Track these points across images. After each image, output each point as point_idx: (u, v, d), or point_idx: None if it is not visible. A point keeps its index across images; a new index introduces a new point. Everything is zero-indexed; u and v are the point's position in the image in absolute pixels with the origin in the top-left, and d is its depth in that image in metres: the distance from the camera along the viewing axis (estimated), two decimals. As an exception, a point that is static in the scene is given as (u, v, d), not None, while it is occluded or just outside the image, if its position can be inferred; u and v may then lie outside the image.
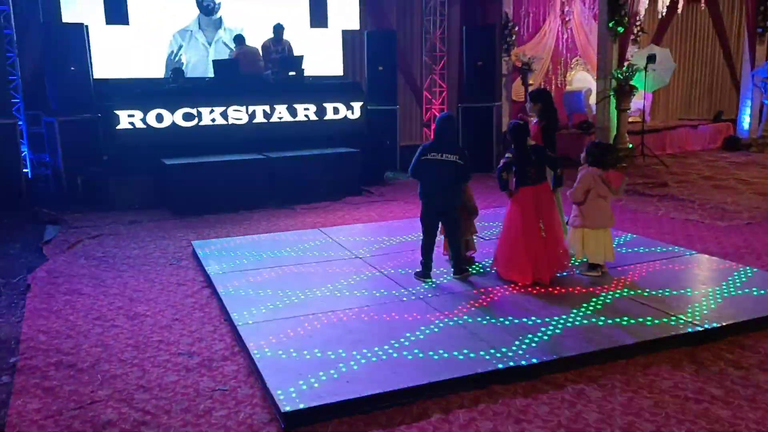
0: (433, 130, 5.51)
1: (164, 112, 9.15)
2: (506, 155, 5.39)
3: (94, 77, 9.91)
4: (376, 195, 9.65)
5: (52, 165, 9.70)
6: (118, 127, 8.94)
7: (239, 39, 10.90)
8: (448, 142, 5.41)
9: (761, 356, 4.05)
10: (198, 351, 4.27)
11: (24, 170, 9.65)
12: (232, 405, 3.56)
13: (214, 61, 10.40)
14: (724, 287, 5.14)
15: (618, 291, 5.10)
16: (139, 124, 9.04)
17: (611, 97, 11.76)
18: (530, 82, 14.15)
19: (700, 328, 4.34)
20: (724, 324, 4.41)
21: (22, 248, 6.92)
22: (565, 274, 5.49)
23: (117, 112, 8.92)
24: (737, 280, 5.29)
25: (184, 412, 3.49)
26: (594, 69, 13.22)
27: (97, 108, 9.43)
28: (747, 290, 5.07)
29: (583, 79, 14.49)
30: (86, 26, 9.74)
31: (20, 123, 9.73)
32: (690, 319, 4.48)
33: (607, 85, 11.78)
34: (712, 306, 4.74)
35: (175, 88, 9.86)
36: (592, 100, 13.06)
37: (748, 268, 5.64)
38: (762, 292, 5.02)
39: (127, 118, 8.98)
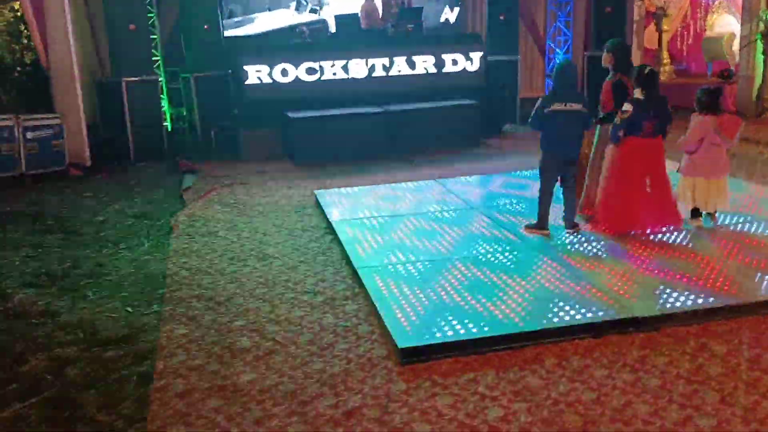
0: (553, 78, 5.36)
1: (288, 66, 9.49)
2: (624, 108, 5.06)
3: (225, 35, 10.43)
4: (494, 147, 9.55)
5: (189, 119, 10.42)
6: (247, 82, 9.40)
7: None
8: (571, 89, 5.26)
9: None
10: (322, 290, 4.53)
11: (164, 123, 10.45)
12: (353, 340, 3.78)
13: (335, 16, 10.60)
14: None
15: (753, 246, 4.80)
16: (266, 79, 9.45)
17: (758, 41, 10.75)
18: (665, 28, 13.25)
19: None
20: None
21: (164, 194, 7.56)
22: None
23: (245, 67, 9.37)
24: None
25: (310, 344, 3.76)
26: (739, 11, 12.10)
27: (228, 64, 9.96)
28: None
29: (726, 23, 13.32)
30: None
31: (160, 80, 10.48)
32: (834, 279, 4.16)
33: (754, 28, 10.76)
34: None
35: (298, 43, 10.18)
36: (736, 46, 12.01)
37: None
38: None
39: (255, 74, 9.40)
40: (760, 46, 10.74)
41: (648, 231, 5.18)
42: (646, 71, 5.10)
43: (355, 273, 4.75)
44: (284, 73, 9.50)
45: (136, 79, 9.48)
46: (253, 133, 9.46)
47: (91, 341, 3.91)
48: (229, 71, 9.92)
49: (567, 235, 5.29)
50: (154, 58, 10.32)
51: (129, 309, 4.35)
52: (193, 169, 8.76)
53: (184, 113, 10.68)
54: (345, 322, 4.01)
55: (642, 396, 3.09)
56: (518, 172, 7.64)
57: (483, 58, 10.31)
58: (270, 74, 9.46)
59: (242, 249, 5.49)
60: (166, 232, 6.06)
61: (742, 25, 11.24)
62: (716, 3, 13.59)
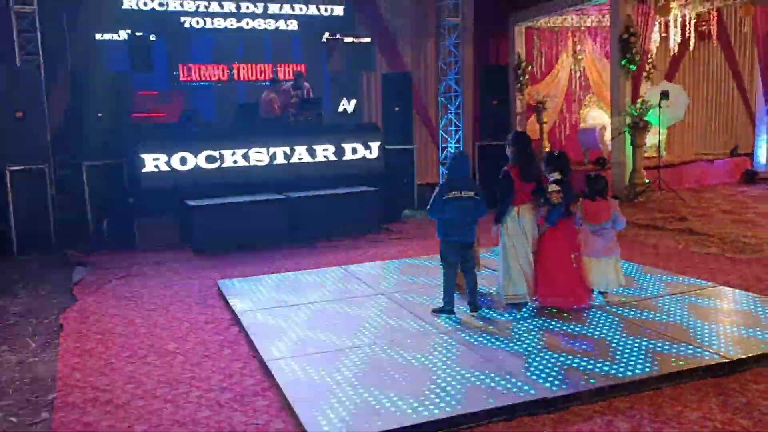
0: (448, 169, 5.64)
1: (187, 154, 9.39)
2: (551, 189, 5.40)
3: (121, 122, 10.22)
4: (395, 233, 9.76)
5: (79, 208, 9.94)
6: (143, 170, 9.18)
7: (272, 81, 11.25)
8: (463, 178, 5.56)
9: (789, 387, 4.06)
10: (229, 387, 4.35)
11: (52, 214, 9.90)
12: (266, 439, 3.62)
13: (238, 105, 10.71)
14: (748, 319, 5.16)
15: (642, 323, 5.13)
16: (164, 167, 9.27)
17: (626, 133, 11.88)
18: (545, 119, 14.38)
19: (726, 360, 4.36)
20: (750, 355, 4.43)
21: (52, 289, 7.07)
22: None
23: (142, 155, 9.17)
24: (761, 312, 5.31)
25: (219, 446, 3.56)
26: (608, 106, 13.39)
27: (123, 152, 9.70)
28: (771, 321, 5.09)
29: (597, 116, 14.66)
30: (112, 74, 10.12)
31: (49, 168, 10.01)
32: (716, 351, 4.50)
33: (622, 121, 11.91)
34: (737, 337, 4.76)
35: (198, 132, 10.13)
36: (608, 136, 13.19)
37: (771, 299, 5.66)
38: (787, 323, 5.04)
39: (152, 162, 9.21)
40: (628, 137, 11.87)
41: (576, 304, 5.48)
42: (557, 154, 5.53)
43: (264, 366, 4.61)
44: (183, 161, 9.38)
45: (22, 167, 9.03)
46: (150, 222, 9.15)
47: (-31, 459, 3.51)
48: (124, 158, 9.66)
49: (472, 317, 5.44)
50: (42, 146, 9.89)
51: (13, 419, 3.96)
52: (84, 261, 8.31)
53: (74, 202, 10.19)
54: (257, 420, 3.85)
55: (558, 478, 3.14)
56: (420, 257, 7.83)
57: (381, 147, 10.70)
58: (168, 162, 9.29)
59: (141, 345, 5.19)
60: (55, 330, 5.64)
61: (611, 118, 12.41)
62: (587, 98, 14.97)
